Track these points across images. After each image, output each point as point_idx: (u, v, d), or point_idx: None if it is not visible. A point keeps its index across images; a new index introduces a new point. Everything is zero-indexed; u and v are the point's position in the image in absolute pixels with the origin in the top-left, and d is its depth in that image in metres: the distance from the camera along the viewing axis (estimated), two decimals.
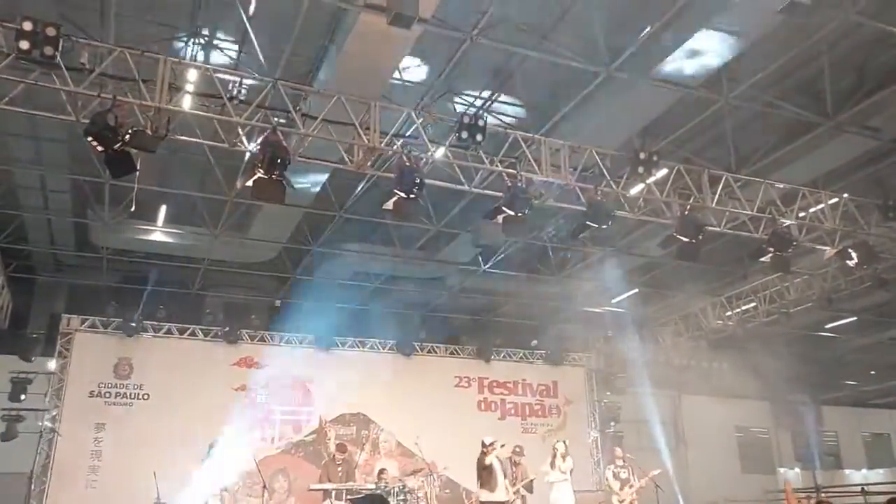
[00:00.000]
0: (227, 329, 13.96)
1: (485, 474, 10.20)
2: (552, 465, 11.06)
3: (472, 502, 12.21)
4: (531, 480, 11.46)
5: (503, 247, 13.55)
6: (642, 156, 8.96)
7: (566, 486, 11.01)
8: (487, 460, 10.14)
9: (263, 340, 14.44)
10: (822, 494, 12.24)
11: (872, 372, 19.19)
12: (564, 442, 11.51)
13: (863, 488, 12.85)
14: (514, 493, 11.58)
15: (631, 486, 11.22)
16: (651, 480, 11.17)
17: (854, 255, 10.42)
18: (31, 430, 11.88)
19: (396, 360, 15.36)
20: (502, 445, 10.72)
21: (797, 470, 18.21)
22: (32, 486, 9.33)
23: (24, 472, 9.34)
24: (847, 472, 18.56)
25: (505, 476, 11.18)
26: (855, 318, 16.00)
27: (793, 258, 10.57)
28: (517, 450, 11.91)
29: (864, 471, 18.58)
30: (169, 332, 13.78)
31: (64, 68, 6.66)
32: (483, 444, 10.42)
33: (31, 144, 10.17)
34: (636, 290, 15.83)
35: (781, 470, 18.37)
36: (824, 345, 17.43)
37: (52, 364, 12.68)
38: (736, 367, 14.89)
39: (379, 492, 10.61)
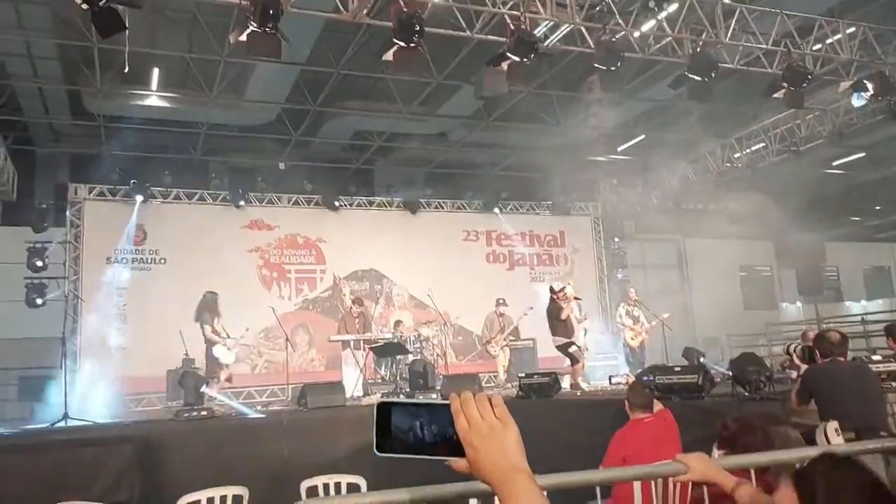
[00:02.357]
0: (235, 192, 13.98)
1: (560, 325, 10.05)
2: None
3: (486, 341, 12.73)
4: (516, 327, 11.98)
5: (507, 97, 13.21)
6: None
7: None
8: (564, 314, 9.98)
9: (272, 203, 14.52)
10: (824, 324, 12.76)
11: (878, 207, 19.30)
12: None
13: (862, 318, 13.35)
14: (504, 344, 12.16)
15: (641, 325, 11.72)
16: (661, 322, 11.63)
17: (869, 86, 10.14)
18: (57, 298, 12.29)
19: (404, 217, 15.49)
20: (572, 288, 10.50)
21: (799, 304, 18.85)
22: (66, 348, 9.83)
23: (57, 337, 9.81)
24: (847, 303, 19.21)
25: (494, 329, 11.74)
26: (864, 154, 15.86)
27: (806, 93, 10.30)
28: (500, 300, 12.34)
29: (863, 302, 19.23)
30: (178, 197, 13.84)
31: None
32: (552, 291, 10.24)
33: (9, 7, 9.68)
34: (643, 136, 15.61)
35: (783, 304, 19.04)
36: (831, 182, 17.41)
37: (65, 233, 12.86)
38: (742, 208, 14.98)
39: (397, 341, 11.10)
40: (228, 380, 10.58)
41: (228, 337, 10.34)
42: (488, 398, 1.15)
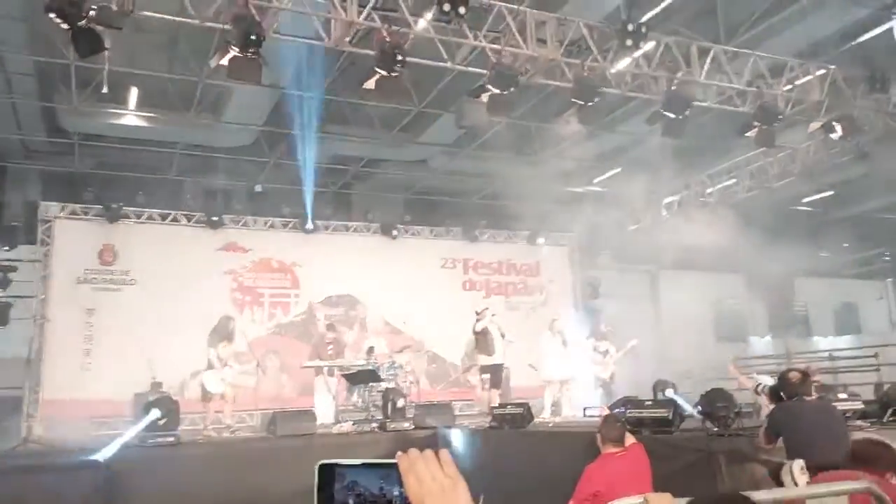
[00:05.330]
0: (210, 214, 13.85)
1: (480, 339, 10.74)
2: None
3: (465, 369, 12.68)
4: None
5: (487, 127, 13.33)
6: (630, 27, 8.70)
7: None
8: (479, 325, 10.71)
9: (247, 225, 14.40)
10: (793, 360, 12.94)
11: (846, 245, 19.71)
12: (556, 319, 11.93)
13: (830, 354, 13.56)
14: None
15: (611, 357, 11.76)
16: (629, 351, 11.67)
17: (838, 127, 10.42)
18: (23, 317, 12.01)
19: (381, 243, 15.45)
20: (493, 315, 11.17)
21: (768, 338, 19.06)
22: (30, 369, 9.58)
23: (21, 358, 9.55)
24: (815, 339, 19.48)
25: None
26: (832, 193, 16.23)
27: (777, 132, 10.55)
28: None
29: (830, 338, 19.51)
30: (151, 217, 13.67)
31: None
32: (476, 313, 11.09)
33: None
34: (619, 169, 15.82)
35: (753, 338, 19.23)
36: (801, 218, 17.76)
37: (34, 252, 12.62)
38: (714, 241, 15.21)
39: (369, 368, 11.00)
40: (220, 410, 9.93)
41: (226, 365, 9.83)
42: (436, 455, 1.14)
